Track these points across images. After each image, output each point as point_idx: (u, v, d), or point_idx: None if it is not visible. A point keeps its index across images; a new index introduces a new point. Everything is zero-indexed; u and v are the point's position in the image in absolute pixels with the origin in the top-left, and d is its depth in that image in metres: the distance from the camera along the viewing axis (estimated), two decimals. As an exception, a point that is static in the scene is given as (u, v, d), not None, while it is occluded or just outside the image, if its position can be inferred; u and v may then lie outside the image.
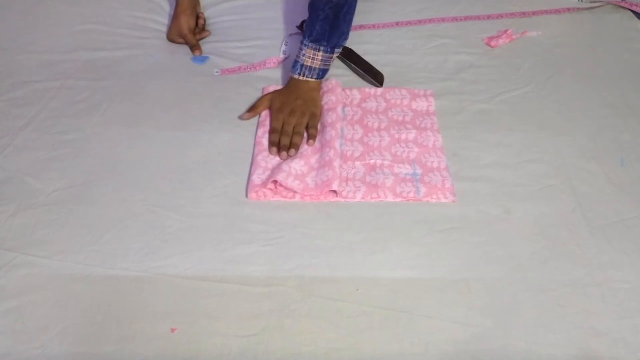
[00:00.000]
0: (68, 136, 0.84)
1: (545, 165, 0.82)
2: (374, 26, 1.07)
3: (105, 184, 0.78)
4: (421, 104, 0.90)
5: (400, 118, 0.88)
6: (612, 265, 0.70)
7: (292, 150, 0.81)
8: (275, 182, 0.76)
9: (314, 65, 0.87)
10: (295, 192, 0.76)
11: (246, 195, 0.76)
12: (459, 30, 1.06)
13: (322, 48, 0.86)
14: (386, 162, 0.80)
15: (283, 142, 0.82)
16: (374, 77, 0.94)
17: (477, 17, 1.09)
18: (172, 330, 0.63)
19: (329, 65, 0.88)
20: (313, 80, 0.88)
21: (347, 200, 0.76)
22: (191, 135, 0.85)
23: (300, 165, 0.79)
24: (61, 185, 0.77)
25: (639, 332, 0.64)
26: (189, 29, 1.01)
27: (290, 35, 1.03)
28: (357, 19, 1.06)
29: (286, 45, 1.01)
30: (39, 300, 0.65)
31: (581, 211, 0.76)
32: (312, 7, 0.85)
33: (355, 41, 1.00)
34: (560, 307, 0.66)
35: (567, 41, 1.04)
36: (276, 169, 0.78)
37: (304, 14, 1.07)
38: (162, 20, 1.08)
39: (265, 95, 0.90)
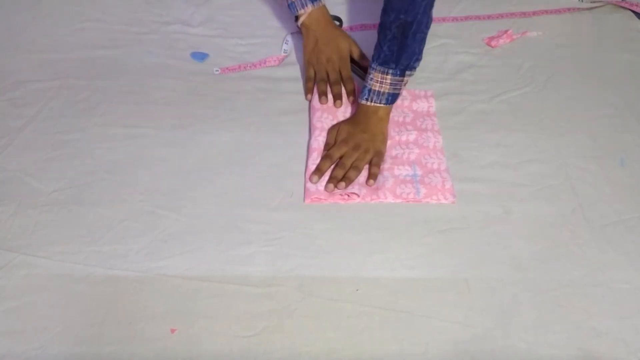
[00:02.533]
0: (68, 136, 0.84)
1: (545, 166, 0.82)
2: (374, 26, 1.07)
3: (105, 184, 0.78)
4: (422, 105, 0.90)
5: (401, 119, 0.87)
6: (612, 266, 0.70)
7: (342, 184, 0.76)
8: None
9: (382, 90, 0.81)
10: (350, 195, 0.76)
11: (304, 200, 0.76)
12: (459, 30, 1.06)
13: (390, 71, 0.79)
14: (386, 165, 0.80)
15: (335, 174, 0.77)
16: None
17: (478, 17, 1.09)
18: (172, 330, 0.63)
19: (399, 89, 0.82)
20: (382, 106, 0.82)
21: (346, 202, 0.76)
22: (191, 135, 0.85)
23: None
24: (61, 185, 0.77)
25: (639, 333, 0.64)
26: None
27: (291, 33, 1.03)
28: (357, 19, 1.07)
29: (287, 43, 1.00)
30: (39, 301, 0.65)
31: (581, 211, 0.76)
32: (381, 28, 0.79)
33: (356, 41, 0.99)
34: (560, 308, 0.66)
35: (568, 41, 1.04)
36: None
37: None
38: (159, 12, 1.07)
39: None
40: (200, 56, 0.99)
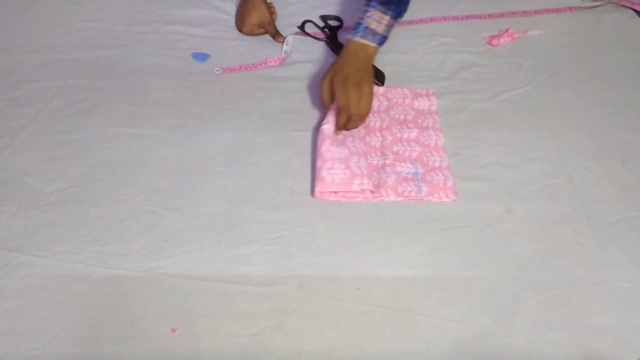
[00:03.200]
0: (68, 136, 0.84)
1: (546, 165, 0.81)
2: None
3: (105, 184, 0.78)
4: (423, 103, 0.90)
5: (402, 117, 0.87)
6: (613, 264, 0.70)
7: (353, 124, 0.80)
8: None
9: (378, 30, 0.81)
10: (359, 193, 0.76)
11: (311, 193, 0.76)
12: (460, 29, 1.06)
13: (390, 12, 0.81)
14: (389, 161, 0.80)
15: (340, 122, 0.80)
16: (376, 76, 0.94)
17: (479, 16, 1.08)
18: (173, 330, 0.63)
19: (389, 33, 0.83)
20: (373, 46, 0.82)
21: (348, 200, 0.76)
22: (191, 135, 0.85)
23: (363, 165, 0.78)
24: (61, 185, 0.77)
25: (639, 331, 0.64)
26: (271, 18, 1.01)
27: (292, 34, 1.03)
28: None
29: (287, 44, 1.00)
30: (40, 301, 0.65)
31: (583, 210, 0.75)
32: None
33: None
34: (561, 306, 0.66)
35: (569, 40, 1.04)
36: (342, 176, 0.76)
37: (305, 14, 1.07)
38: (159, 12, 1.07)
39: (324, 77, 0.83)
40: (201, 56, 0.99)
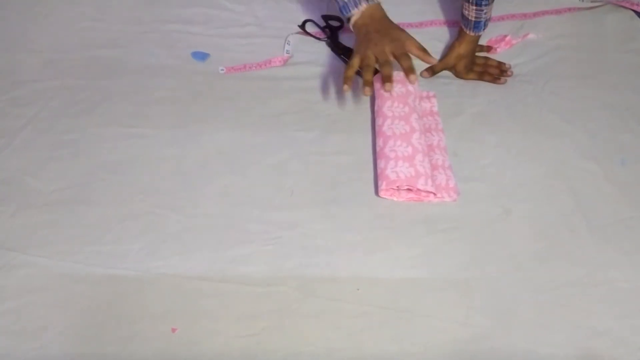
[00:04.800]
0: (68, 136, 0.84)
1: (545, 166, 0.82)
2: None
3: (105, 184, 0.78)
4: (425, 105, 0.90)
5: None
6: (612, 265, 0.70)
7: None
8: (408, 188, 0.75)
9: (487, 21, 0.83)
10: (429, 192, 0.76)
11: (376, 193, 0.76)
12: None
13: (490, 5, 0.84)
14: (439, 162, 0.81)
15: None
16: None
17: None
18: (173, 330, 0.63)
19: None
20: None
21: (409, 200, 0.76)
22: (191, 135, 0.85)
23: (426, 164, 0.77)
24: (61, 185, 0.77)
25: (639, 332, 0.64)
26: None
27: (292, 34, 1.03)
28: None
29: (289, 44, 1.00)
30: (39, 301, 0.65)
31: (581, 211, 0.76)
32: None
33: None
34: (560, 307, 0.66)
35: (568, 41, 1.04)
36: (410, 172, 0.76)
37: (305, 13, 1.07)
38: (159, 11, 1.07)
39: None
40: (201, 56, 0.99)
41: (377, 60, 0.79)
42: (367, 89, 0.77)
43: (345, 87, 0.79)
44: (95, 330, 0.63)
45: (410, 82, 0.76)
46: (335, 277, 0.68)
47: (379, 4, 0.83)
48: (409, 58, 0.79)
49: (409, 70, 0.78)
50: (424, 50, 0.81)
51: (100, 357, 0.61)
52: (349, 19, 0.85)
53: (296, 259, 0.70)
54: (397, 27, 0.83)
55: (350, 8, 0.82)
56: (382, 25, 0.81)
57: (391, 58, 0.79)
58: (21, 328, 0.63)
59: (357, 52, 0.82)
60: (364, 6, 0.81)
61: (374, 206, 0.76)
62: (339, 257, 0.70)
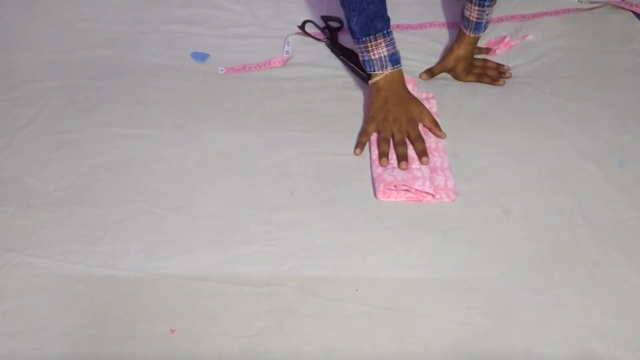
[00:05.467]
0: (68, 136, 0.84)
1: (544, 166, 0.82)
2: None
3: (105, 184, 0.78)
4: (424, 106, 0.90)
5: None
6: (611, 265, 0.70)
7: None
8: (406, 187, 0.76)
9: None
10: (428, 194, 0.76)
11: (375, 196, 0.76)
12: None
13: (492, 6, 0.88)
14: (437, 163, 0.81)
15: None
16: None
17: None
18: (172, 330, 0.63)
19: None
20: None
21: (409, 200, 0.77)
22: (191, 135, 0.85)
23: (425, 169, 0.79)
24: (61, 186, 0.77)
25: (638, 332, 0.64)
26: None
27: (292, 34, 1.03)
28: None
29: (288, 44, 1.01)
30: (39, 301, 0.65)
31: (580, 211, 0.76)
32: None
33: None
34: (559, 307, 0.66)
35: (566, 42, 1.04)
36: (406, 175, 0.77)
37: (305, 14, 1.07)
38: (159, 11, 1.07)
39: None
40: (200, 56, 0.99)
41: (393, 137, 0.83)
42: (403, 163, 0.79)
43: (357, 151, 0.83)
44: (95, 330, 0.63)
45: (422, 163, 0.80)
46: (335, 278, 0.68)
47: (400, 70, 0.86)
48: (423, 142, 0.82)
49: (421, 154, 0.81)
50: (436, 125, 0.85)
51: (100, 357, 0.61)
52: (369, 75, 0.87)
53: (296, 259, 0.70)
54: (413, 100, 0.86)
55: (376, 68, 0.85)
56: (400, 97, 0.85)
57: (406, 139, 0.83)
58: (21, 328, 0.63)
59: (373, 119, 0.85)
60: (389, 71, 0.85)
61: (374, 206, 0.76)
62: (339, 257, 0.70)
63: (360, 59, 0.86)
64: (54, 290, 0.66)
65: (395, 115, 0.83)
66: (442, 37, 1.05)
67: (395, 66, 0.85)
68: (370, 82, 0.86)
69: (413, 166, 0.79)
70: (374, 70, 0.85)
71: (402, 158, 0.80)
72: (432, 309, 0.65)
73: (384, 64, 0.84)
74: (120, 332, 0.63)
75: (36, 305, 0.65)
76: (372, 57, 0.84)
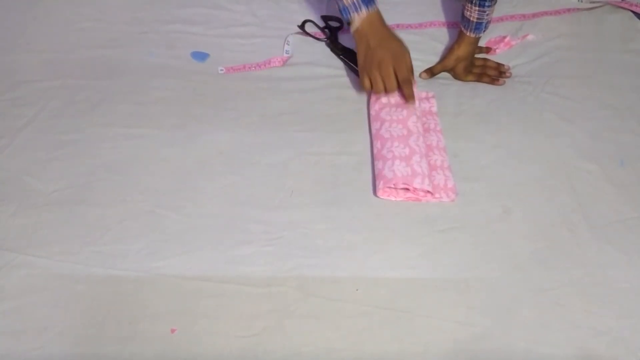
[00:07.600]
0: (68, 136, 0.84)
1: (544, 166, 0.82)
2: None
3: (105, 184, 0.78)
4: (424, 106, 0.90)
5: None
6: (612, 265, 0.70)
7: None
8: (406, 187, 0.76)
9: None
10: (427, 192, 0.76)
11: (374, 193, 0.77)
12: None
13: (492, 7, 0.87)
14: (438, 162, 0.81)
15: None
16: None
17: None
18: (172, 330, 0.63)
19: None
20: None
21: (408, 200, 0.77)
22: (191, 135, 0.85)
23: (425, 164, 0.79)
24: (61, 185, 0.77)
25: (638, 332, 0.64)
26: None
27: (292, 34, 1.03)
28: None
29: (288, 44, 1.00)
30: (39, 301, 0.65)
31: (581, 211, 0.76)
32: None
33: (356, 41, 0.99)
34: (560, 307, 0.66)
35: (567, 42, 1.04)
36: (406, 171, 0.77)
37: (305, 14, 1.07)
38: (159, 11, 1.07)
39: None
40: (200, 56, 0.99)
41: (383, 82, 0.85)
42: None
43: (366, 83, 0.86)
44: (95, 330, 0.63)
45: (409, 105, 0.83)
46: (334, 278, 0.68)
47: (377, 12, 0.86)
48: (410, 85, 0.84)
49: (408, 97, 0.84)
50: (412, 74, 0.87)
51: (100, 357, 0.61)
52: (349, 23, 0.88)
53: (296, 259, 0.70)
54: (395, 38, 0.86)
55: (350, 12, 0.85)
56: (380, 37, 0.86)
57: (395, 83, 0.85)
58: (21, 328, 0.63)
59: (363, 69, 0.87)
60: (363, 12, 0.85)
61: (374, 206, 0.76)
62: (339, 257, 0.70)
63: (339, 12, 0.86)
64: (54, 290, 0.66)
65: (379, 58, 0.84)
66: (442, 36, 1.05)
67: (370, 7, 0.85)
68: (351, 30, 0.87)
69: (412, 161, 0.78)
70: (349, 15, 0.85)
71: (410, 97, 0.83)
72: (432, 309, 0.65)
73: (358, 5, 0.84)
74: (120, 332, 0.63)
75: (36, 305, 0.65)
76: (346, 3, 0.84)
